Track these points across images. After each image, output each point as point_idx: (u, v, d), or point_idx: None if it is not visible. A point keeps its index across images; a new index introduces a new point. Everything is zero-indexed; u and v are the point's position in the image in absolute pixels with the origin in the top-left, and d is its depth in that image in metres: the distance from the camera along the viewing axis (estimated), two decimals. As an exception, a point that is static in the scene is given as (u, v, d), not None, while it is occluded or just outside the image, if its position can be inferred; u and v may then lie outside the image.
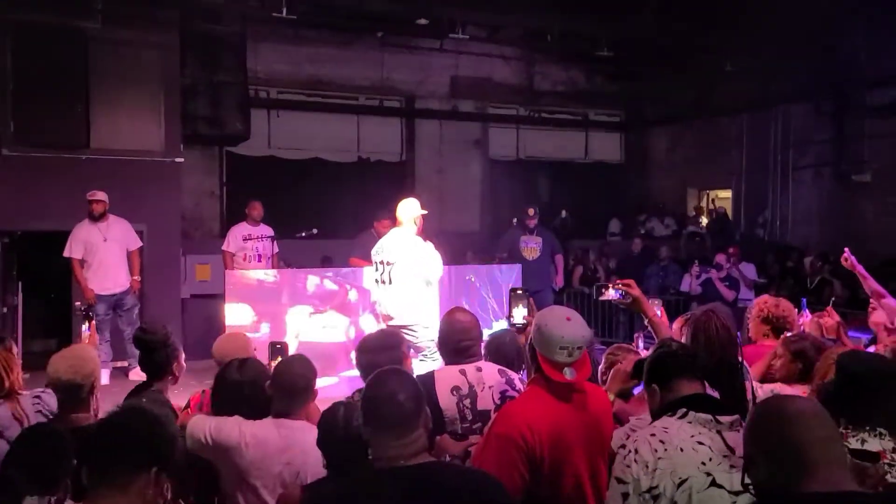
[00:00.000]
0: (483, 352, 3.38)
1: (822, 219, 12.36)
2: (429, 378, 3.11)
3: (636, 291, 3.22)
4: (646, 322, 3.24)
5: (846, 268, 4.63)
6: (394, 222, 5.80)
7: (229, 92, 9.99)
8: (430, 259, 5.56)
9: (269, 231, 8.31)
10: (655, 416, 2.40)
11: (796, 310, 4.14)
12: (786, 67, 11.53)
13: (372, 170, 12.94)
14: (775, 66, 11.49)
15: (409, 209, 5.67)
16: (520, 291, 3.46)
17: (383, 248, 5.67)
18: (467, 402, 3.08)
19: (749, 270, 10.09)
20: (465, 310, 3.45)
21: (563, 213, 13.27)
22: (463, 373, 3.13)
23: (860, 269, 4.54)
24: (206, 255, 9.46)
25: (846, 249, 4.58)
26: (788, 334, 3.84)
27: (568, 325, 2.55)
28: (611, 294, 3.23)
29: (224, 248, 8.28)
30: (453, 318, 3.31)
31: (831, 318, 4.03)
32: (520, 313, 3.39)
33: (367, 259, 7.99)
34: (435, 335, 3.95)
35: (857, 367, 2.66)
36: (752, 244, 12.24)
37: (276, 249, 8.25)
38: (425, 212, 5.73)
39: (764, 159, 13.08)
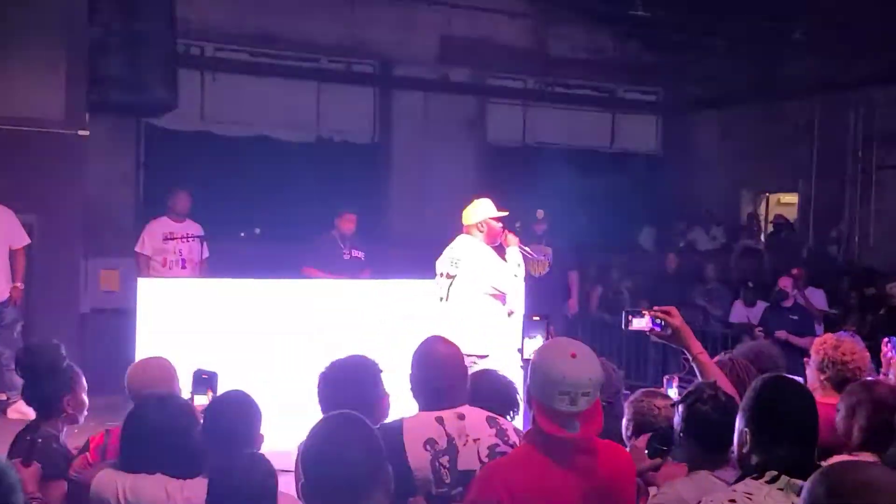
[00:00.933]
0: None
1: (914, 235, 12.47)
2: (395, 428, 3.10)
3: (678, 321, 3.25)
4: (689, 360, 3.25)
5: None
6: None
7: (152, 47, 9.94)
8: (500, 270, 5.94)
9: (198, 229, 8.35)
10: (743, 466, 2.42)
11: (868, 355, 4.11)
12: (869, 39, 11.61)
13: (335, 153, 12.92)
14: (856, 37, 11.57)
15: (474, 212, 6.14)
16: (537, 318, 3.54)
17: (444, 257, 6.14)
18: (445, 459, 3.07)
19: (817, 298, 10.14)
20: (446, 340, 3.45)
21: (581, 217, 13.31)
22: (440, 421, 3.13)
23: None
24: (114, 257, 9.46)
25: None
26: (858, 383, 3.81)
27: (572, 363, 2.54)
28: (644, 323, 3.26)
29: (138, 249, 8.31)
30: (429, 350, 3.32)
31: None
32: (534, 346, 3.43)
33: (325, 269, 8.05)
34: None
35: None
36: (821, 264, 12.32)
37: (206, 254, 8.26)
38: (504, 213, 6.12)
39: (840, 156, 13.19)
